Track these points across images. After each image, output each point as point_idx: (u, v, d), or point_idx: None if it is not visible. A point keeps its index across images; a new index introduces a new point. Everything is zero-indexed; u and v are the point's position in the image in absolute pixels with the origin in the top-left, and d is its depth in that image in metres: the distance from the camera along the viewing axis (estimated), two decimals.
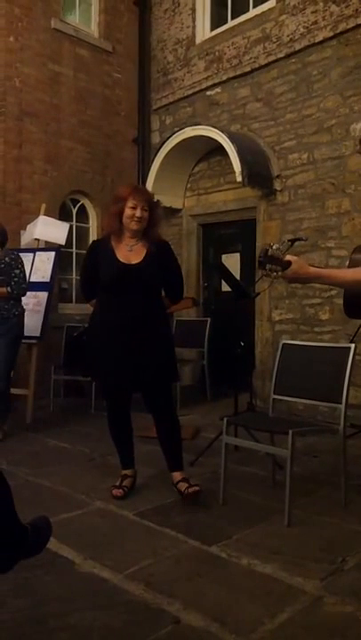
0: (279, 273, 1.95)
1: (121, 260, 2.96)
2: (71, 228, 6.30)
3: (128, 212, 2.92)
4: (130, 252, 2.98)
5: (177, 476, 3.01)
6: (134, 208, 2.92)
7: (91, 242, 3.26)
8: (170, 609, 1.92)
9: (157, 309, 3.04)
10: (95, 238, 6.76)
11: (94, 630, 1.80)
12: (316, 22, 5.31)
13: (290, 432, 2.66)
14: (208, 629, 1.81)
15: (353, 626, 1.84)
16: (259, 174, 5.57)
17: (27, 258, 5.35)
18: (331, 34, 5.19)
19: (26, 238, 5.72)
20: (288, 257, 1.97)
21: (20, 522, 1.75)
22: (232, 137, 5.58)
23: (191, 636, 1.78)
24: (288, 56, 5.56)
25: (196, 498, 2.90)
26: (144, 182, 6.63)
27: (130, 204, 2.92)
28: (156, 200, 3.10)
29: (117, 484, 3.08)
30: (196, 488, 2.90)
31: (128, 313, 2.94)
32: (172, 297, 3.16)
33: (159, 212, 3.11)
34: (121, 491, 3.02)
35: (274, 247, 1.95)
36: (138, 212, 2.92)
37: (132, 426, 3.19)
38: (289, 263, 1.95)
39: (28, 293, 5.17)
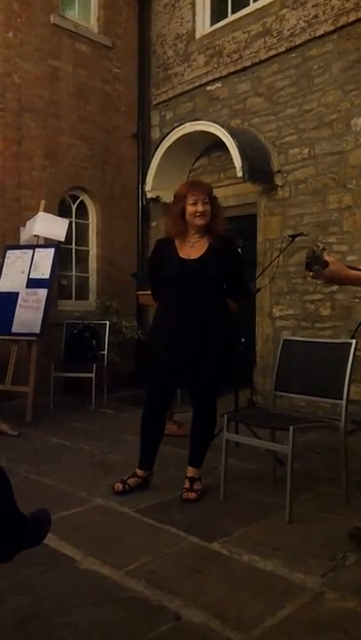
0: (320, 275, 2.01)
1: (182, 256, 2.94)
2: (71, 224, 6.27)
3: (190, 208, 2.89)
4: (192, 249, 2.95)
5: (188, 471, 3.02)
6: (195, 204, 2.88)
7: (156, 241, 3.22)
8: (170, 605, 1.92)
9: (216, 306, 2.94)
10: (95, 234, 6.78)
11: (95, 627, 1.80)
12: (316, 16, 5.28)
13: (290, 428, 2.65)
14: (209, 626, 1.80)
15: (354, 621, 1.83)
16: (259, 169, 5.55)
17: (26, 254, 5.36)
18: (332, 28, 5.16)
19: (25, 235, 5.71)
20: (326, 257, 2.03)
21: (19, 510, 1.74)
22: (232, 132, 5.56)
23: (192, 632, 1.78)
24: (289, 50, 5.53)
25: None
26: (144, 178, 6.62)
27: (190, 200, 2.89)
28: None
29: (124, 478, 3.05)
30: (191, 495, 2.91)
31: (185, 309, 2.88)
32: (232, 295, 3.06)
33: (219, 205, 3.04)
34: (121, 485, 3.00)
35: (320, 247, 2.00)
36: (200, 207, 2.88)
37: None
38: (327, 263, 2.02)
39: (28, 290, 5.19)
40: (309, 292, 5.38)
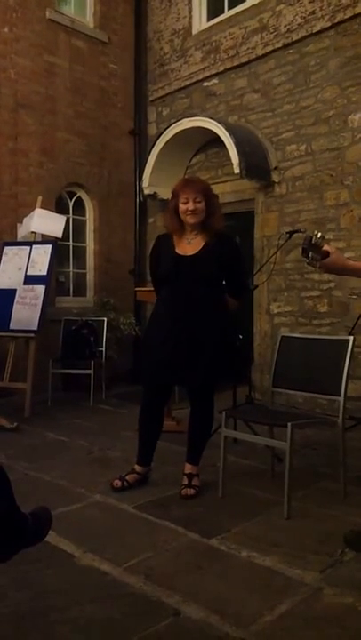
0: (317, 263, 2.00)
1: (178, 252, 2.95)
2: (68, 220, 6.26)
3: (181, 207, 2.90)
4: (188, 245, 2.96)
5: (187, 467, 3.03)
6: (186, 202, 2.89)
7: (157, 236, 3.23)
8: (170, 601, 1.92)
9: (213, 303, 2.94)
10: (92, 230, 6.76)
11: (94, 623, 1.81)
12: (313, 12, 5.27)
13: (288, 425, 2.65)
14: (208, 621, 1.81)
15: (352, 617, 1.84)
16: (256, 166, 5.54)
17: (23, 251, 5.35)
18: (328, 24, 5.14)
19: (22, 231, 5.69)
20: (326, 247, 2.03)
21: (20, 510, 1.74)
22: (230, 128, 5.55)
23: (191, 628, 1.79)
24: (285, 46, 5.51)
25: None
26: (141, 174, 6.61)
27: (182, 199, 2.90)
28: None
29: (122, 474, 3.06)
30: (190, 492, 2.92)
31: (181, 306, 2.90)
32: (232, 292, 3.07)
33: (217, 202, 3.03)
34: (120, 482, 3.00)
35: (318, 236, 1.99)
36: (190, 206, 2.88)
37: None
38: (327, 253, 2.02)
39: (25, 287, 5.19)
40: (307, 288, 5.38)
